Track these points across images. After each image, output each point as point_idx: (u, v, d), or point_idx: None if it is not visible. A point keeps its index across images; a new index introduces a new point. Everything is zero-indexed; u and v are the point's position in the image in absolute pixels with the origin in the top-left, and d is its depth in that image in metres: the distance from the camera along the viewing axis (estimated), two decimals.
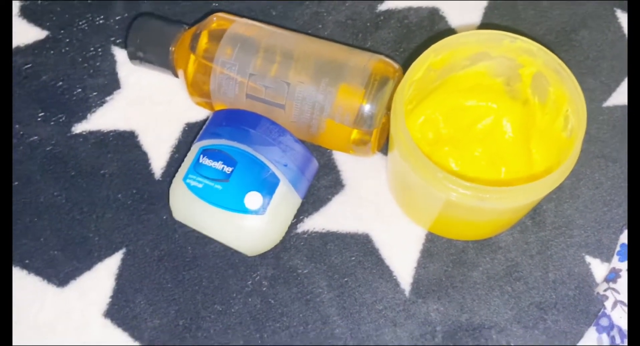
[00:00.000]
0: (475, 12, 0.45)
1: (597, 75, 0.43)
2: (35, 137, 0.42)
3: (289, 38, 0.38)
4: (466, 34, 0.35)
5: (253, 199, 0.35)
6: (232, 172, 0.36)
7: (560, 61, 0.33)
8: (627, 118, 0.42)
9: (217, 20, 0.39)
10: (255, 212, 0.35)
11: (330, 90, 0.36)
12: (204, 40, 0.38)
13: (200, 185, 0.36)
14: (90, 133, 0.42)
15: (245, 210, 0.35)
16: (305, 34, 0.41)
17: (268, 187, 0.36)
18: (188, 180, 0.36)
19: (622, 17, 0.44)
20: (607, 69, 0.43)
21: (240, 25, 0.39)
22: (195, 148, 0.37)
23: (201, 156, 0.37)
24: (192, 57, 0.38)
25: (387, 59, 0.38)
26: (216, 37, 0.38)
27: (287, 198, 0.37)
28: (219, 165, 0.36)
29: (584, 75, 0.43)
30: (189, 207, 0.36)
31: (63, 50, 0.44)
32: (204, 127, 0.38)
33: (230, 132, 0.37)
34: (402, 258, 0.38)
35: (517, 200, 0.32)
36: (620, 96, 0.42)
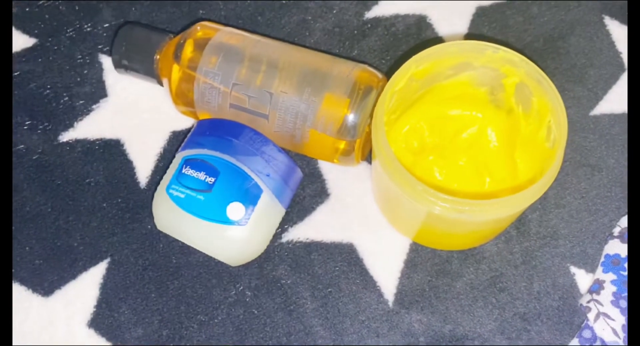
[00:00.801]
0: (462, 19, 0.44)
1: (585, 83, 0.43)
2: (22, 146, 0.42)
3: (273, 47, 0.38)
4: (448, 44, 0.35)
5: (235, 210, 0.35)
6: (214, 182, 0.36)
7: (541, 72, 0.33)
8: (614, 127, 0.41)
9: (202, 29, 0.39)
10: (238, 223, 0.35)
11: (313, 100, 0.36)
12: (188, 49, 0.38)
13: (182, 196, 0.36)
14: (77, 141, 0.42)
15: (228, 221, 0.35)
16: (290, 42, 0.41)
17: (251, 197, 0.36)
18: (171, 191, 0.36)
19: (610, 24, 0.44)
20: (595, 77, 0.43)
21: (225, 35, 0.39)
22: (179, 158, 0.37)
23: (184, 166, 0.37)
24: (176, 66, 0.38)
25: (371, 69, 0.38)
26: (200, 46, 0.38)
27: (270, 209, 0.37)
28: (201, 175, 0.36)
29: (571, 83, 0.43)
30: (171, 218, 0.36)
31: (51, 58, 0.44)
32: (188, 136, 0.38)
33: (213, 142, 0.37)
34: (386, 268, 0.38)
35: (499, 212, 0.32)
36: (607, 104, 0.42)
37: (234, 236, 0.35)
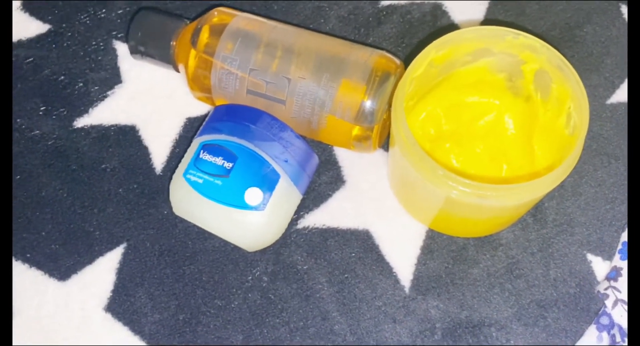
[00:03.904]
0: (478, 7, 0.44)
1: (601, 71, 0.42)
2: (37, 131, 0.42)
3: (290, 33, 0.38)
4: (468, 30, 0.34)
5: (253, 195, 0.35)
6: (232, 167, 0.36)
7: (563, 58, 0.33)
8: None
9: (218, 15, 0.39)
10: (256, 208, 0.35)
11: (332, 86, 0.36)
12: (204, 35, 0.38)
13: (200, 181, 0.36)
14: (92, 127, 0.42)
15: (246, 206, 0.35)
16: (307, 28, 0.41)
17: (268, 182, 0.36)
18: (188, 176, 0.36)
19: (627, 13, 0.44)
20: (611, 66, 0.43)
21: (241, 20, 0.39)
22: (196, 143, 0.37)
23: (201, 151, 0.37)
24: (193, 51, 0.38)
25: (389, 55, 0.38)
26: (217, 31, 0.38)
27: (287, 194, 0.37)
28: (219, 160, 0.36)
29: (588, 72, 0.42)
30: (189, 203, 0.36)
31: (65, 44, 0.44)
32: (205, 122, 0.38)
33: (231, 128, 0.37)
34: (402, 255, 0.38)
35: (518, 198, 0.32)
36: (623, 93, 0.42)
37: (252, 221, 0.35)
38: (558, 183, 0.32)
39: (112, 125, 0.42)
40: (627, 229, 0.38)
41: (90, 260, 0.39)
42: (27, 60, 0.44)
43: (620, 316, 0.35)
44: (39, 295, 0.38)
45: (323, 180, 0.40)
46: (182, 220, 0.39)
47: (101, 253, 0.39)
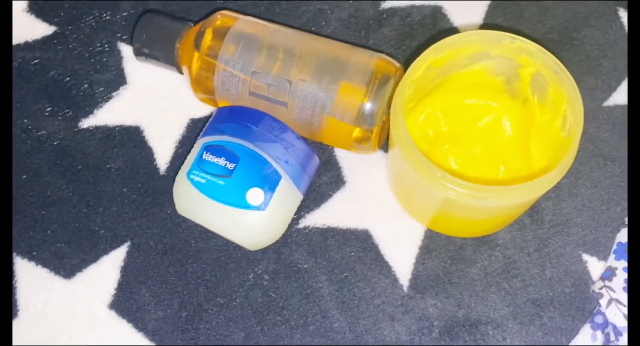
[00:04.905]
0: (477, 10, 0.45)
1: (598, 74, 0.43)
2: (43, 132, 0.43)
3: (292, 36, 0.39)
4: (467, 33, 0.35)
5: (255, 195, 0.36)
6: (234, 168, 0.36)
7: (558, 62, 0.34)
8: (627, 118, 0.42)
9: (222, 18, 0.40)
10: (257, 208, 0.36)
11: (332, 88, 0.37)
12: (208, 38, 0.39)
13: (203, 181, 0.37)
14: (97, 128, 0.43)
15: (247, 206, 0.36)
16: (308, 31, 0.41)
17: (270, 183, 0.36)
18: (192, 176, 0.37)
19: (624, 16, 0.44)
20: (608, 68, 0.43)
21: (244, 23, 0.39)
22: (199, 144, 0.38)
23: (204, 152, 0.37)
24: (196, 54, 0.39)
25: (389, 58, 0.38)
26: (220, 34, 0.39)
27: (288, 194, 0.37)
28: (221, 161, 0.37)
29: (585, 74, 0.43)
30: (192, 202, 0.37)
31: (70, 46, 0.45)
32: (208, 123, 0.39)
33: (233, 129, 0.37)
34: (401, 254, 0.39)
35: (515, 199, 0.33)
36: (620, 95, 0.42)
37: (254, 220, 0.36)
38: (554, 184, 0.33)
39: (116, 126, 0.43)
40: (623, 229, 0.39)
41: (95, 258, 0.40)
42: (33, 62, 0.44)
43: (614, 315, 0.36)
44: (45, 293, 0.39)
45: (323, 181, 0.41)
46: (185, 220, 0.40)
47: (106, 251, 0.40)
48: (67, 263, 0.39)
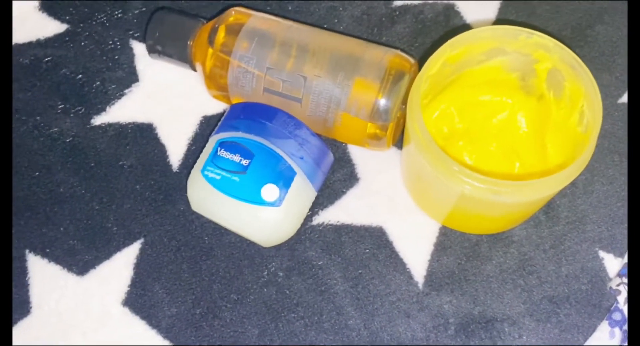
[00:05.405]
0: (490, 7, 0.45)
1: (612, 71, 0.43)
2: (56, 129, 0.43)
3: (306, 32, 0.39)
4: (482, 29, 0.35)
5: (270, 191, 0.36)
6: (249, 164, 0.36)
7: (576, 57, 0.34)
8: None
9: (235, 15, 0.40)
10: (272, 204, 0.36)
11: (347, 84, 0.37)
12: (221, 35, 0.39)
13: (218, 177, 0.36)
14: (109, 125, 0.43)
15: (262, 202, 0.36)
16: (322, 28, 0.41)
17: (284, 179, 0.36)
18: (206, 172, 0.37)
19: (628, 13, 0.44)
20: (622, 65, 0.43)
21: (258, 20, 0.39)
22: (213, 140, 0.38)
23: (219, 148, 0.37)
24: (210, 50, 0.39)
25: (403, 54, 0.38)
26: (234, 31, 0.39)
27: (302, 191, 0.37)
28: (236, 157, 0.37)
29: (599, 71, 0.43)
30: (206, 199, 0.37)
31: (82, 44, 0.45)
32: (222, 119, 0.39)
33: (248, 125, 0.37)
34: (415, 251, 0.39)
35: (531, 195, 0.32)
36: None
37: (269, 217, 0.36)
38: (570, 181, 0.33)
39: (129, 123, 0.43)
40: (627, 229, 0.38)
41: (108, 255, 0.39)
42: (46, 60, 0.44)
43: None
44: (58, 290, 0.39)
45: (337, 178, 0.41)
46: (199, 217, 0.40)
47: (119, 248, 0.40)
48: (79, 260, 0.39)
